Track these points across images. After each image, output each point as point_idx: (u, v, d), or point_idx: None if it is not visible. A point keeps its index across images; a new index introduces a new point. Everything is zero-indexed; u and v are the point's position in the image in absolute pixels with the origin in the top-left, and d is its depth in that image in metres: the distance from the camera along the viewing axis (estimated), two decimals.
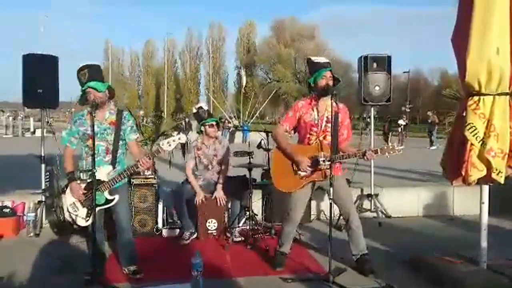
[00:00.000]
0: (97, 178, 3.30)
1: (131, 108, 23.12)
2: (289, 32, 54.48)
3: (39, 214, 4.96)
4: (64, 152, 3.59)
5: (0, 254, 4.24)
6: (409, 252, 4.09)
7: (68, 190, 3.49)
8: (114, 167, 3.49)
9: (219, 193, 4.73)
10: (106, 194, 3.44)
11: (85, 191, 3.44)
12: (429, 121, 21.40)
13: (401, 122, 23.84)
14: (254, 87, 50.45)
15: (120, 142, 3.56)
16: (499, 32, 3.08)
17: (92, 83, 3.41)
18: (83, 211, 3.45)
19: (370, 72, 5.50)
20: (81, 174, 3.53)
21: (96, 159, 3.31)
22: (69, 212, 3.49)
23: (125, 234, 3.63)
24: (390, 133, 22.34)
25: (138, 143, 3.79)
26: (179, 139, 3.36)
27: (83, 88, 3.43)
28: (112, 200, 3.46)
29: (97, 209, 3.38)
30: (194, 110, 5.08)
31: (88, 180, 3.43)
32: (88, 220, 3.43)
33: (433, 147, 19.42)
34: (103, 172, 3.42)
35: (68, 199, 3.48)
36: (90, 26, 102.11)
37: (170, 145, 3.34)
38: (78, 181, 3.48)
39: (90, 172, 3.32)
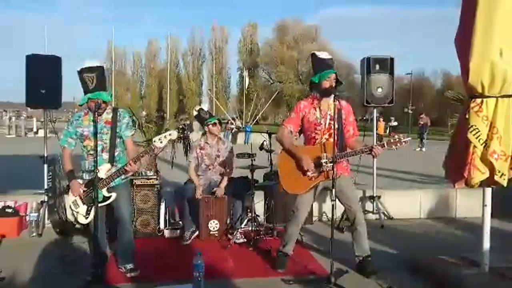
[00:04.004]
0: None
1: (133, 109, 23.16)
2: (291, 33, 54.52)
3: (42, 214, 4.97)
4: (62, 153, 3.62)
5: (2, 254, 4.25)
6: (411, 254, 4.08)
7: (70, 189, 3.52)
8: (112, 165, 3.51)
9: (220, 191, 4.77)
10: (104, 191, 3.46)
11: (85, 189, 3.48)
12: (421, 123, 21.52)
13: (391, 123, 23.75)
14: (257, 88, 50.42)
15: (118, 140, 3.57)
16: (502, 34, 3.06)
17: (103, 95, 3.39)
18: (83, 208, 3.47)
19: (373, 73, 5.51)
20: (84, 174, 3.57)
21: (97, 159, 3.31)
22: (71, 209, 3.52)
23: (125, 232, 3.64)
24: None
25: (133, 140, 3.77)
26: (170, 135, 3.34)
27: (92, 97, 3.36)
28: (109, 197, 3.48)
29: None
30: (195, 113, 5.12)
31: (89, 179, 3.48)
32: (87, 217, 3.46)
33: (423, 149, 19.47)
34: (102, 170, 3.44)
35: (70, 197, 3.51)
36: (92, 26, 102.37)
37: (161, 142, 3.31)
38: (80, 181, 3.51)
39: (92, 173, 3.34)
